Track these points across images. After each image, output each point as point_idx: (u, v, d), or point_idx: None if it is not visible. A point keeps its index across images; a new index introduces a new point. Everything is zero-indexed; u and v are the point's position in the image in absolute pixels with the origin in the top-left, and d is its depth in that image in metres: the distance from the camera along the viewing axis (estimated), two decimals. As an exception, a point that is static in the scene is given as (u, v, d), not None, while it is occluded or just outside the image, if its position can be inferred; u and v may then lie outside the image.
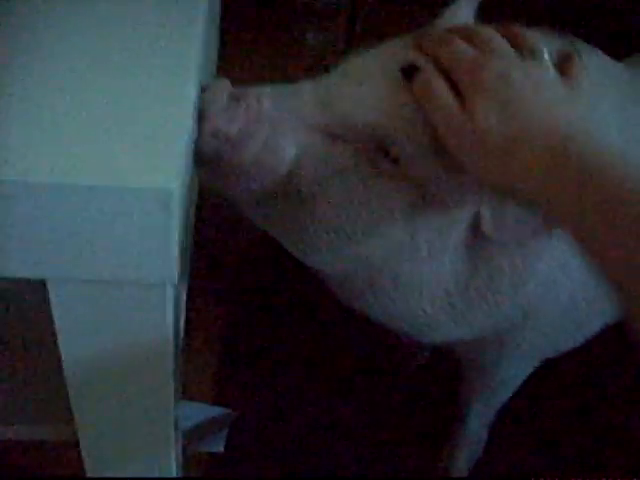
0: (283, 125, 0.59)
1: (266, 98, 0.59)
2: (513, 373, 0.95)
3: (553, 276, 0.72)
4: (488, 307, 0.72)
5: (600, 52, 0.72)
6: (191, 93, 0.51)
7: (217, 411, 1.14)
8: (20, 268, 0.46)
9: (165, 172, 0.43)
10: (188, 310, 1.19)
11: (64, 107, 0.46)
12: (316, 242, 0.65)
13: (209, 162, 0.58)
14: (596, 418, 1.19)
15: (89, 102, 0.47)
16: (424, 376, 1.23)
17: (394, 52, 0.60)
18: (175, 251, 0.46)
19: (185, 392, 1.15)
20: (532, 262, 0.69)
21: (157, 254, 0.46)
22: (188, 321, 1.14)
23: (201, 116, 0.55)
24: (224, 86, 0.58)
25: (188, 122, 0.49)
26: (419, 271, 0.67)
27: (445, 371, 1.12)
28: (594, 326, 0.84)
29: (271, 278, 1.32)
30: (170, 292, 0.51)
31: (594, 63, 0.66)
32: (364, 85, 0.59)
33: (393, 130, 0.57)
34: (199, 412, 1.14)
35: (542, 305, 0.75)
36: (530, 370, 0.95)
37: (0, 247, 0.45)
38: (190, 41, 0.54)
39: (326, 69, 0.64)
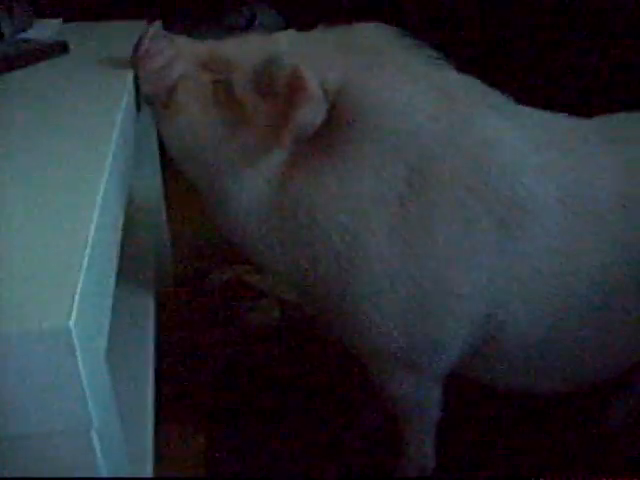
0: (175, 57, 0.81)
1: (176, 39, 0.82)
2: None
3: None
4: (301, 230, 0.78)
5: None
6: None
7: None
8: None
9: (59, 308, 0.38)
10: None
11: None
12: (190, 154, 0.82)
13: (150, 102, 0.82)
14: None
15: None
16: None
17: None
18: (87, 395, 0.40)
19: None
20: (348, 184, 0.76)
21: (68, 400, 0.40)
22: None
23: (133, 57, 0.79)
24: (150, 33, 0.80)
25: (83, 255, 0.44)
26: (232, 185, 0.79)
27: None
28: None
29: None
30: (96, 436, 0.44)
31: None
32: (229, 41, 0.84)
33: (240, 60, 0.79)
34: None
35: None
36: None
37: None
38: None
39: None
